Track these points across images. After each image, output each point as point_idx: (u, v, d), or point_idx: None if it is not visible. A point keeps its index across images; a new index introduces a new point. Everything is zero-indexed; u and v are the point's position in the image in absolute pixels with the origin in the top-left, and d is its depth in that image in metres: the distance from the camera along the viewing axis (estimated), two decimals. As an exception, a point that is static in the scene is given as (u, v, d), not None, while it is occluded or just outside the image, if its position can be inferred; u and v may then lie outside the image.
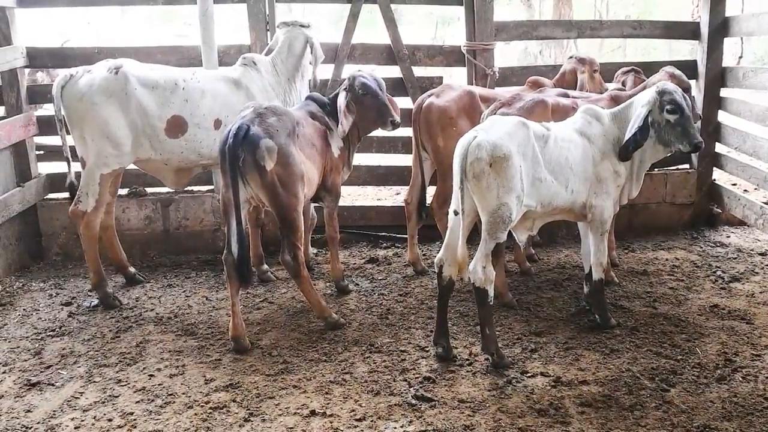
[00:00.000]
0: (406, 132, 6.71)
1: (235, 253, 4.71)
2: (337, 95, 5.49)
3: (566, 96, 5.53)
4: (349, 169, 5.69)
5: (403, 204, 6.26)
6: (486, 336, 4.44)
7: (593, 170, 4.65)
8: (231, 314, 4.83)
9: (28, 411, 4.12)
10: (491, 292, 4.37)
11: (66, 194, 6.52)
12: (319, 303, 5.12)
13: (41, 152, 6.84)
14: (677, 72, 5.71)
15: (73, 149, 5.65)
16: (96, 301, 5.65)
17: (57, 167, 6.95)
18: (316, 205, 5.97)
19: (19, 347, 4.94)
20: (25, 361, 4.73)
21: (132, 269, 6.13)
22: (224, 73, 5.89)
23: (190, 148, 5.60)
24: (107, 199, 5.63)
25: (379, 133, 6.64)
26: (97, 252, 5.62)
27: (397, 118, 5.43)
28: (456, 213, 4.36)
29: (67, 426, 3.95)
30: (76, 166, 5.64)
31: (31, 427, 3.95)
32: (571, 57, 6.42)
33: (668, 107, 4.58)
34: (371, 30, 9.06)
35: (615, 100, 5.41)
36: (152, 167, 5.76)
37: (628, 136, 4.60)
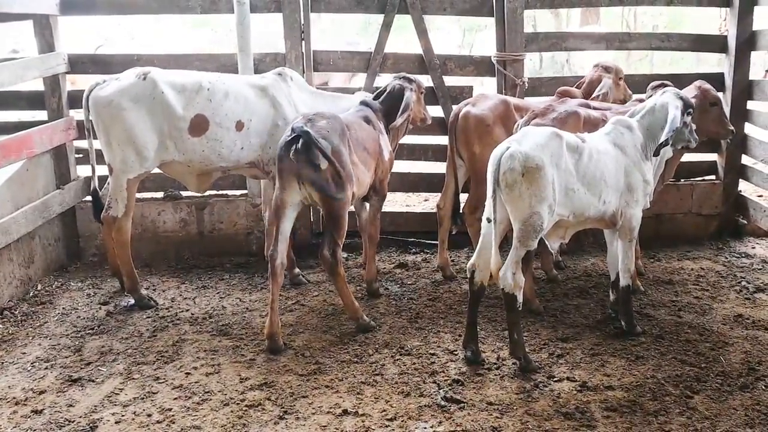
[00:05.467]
0: (437, 140, 6.84)
1: (278, 251, 4.94)
2: (388, 97, 5.82)
3: (588, 107, 5.61)
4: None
5: (434, 210, 6.35)
6: (514, 341, 4.55)
7: (625, 180, 4.74)
8: (269, 311, 4.95)
9: (70, 405, 4.27)
10: (520, 298, 4.47)
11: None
12: (353, 303, 5.24)
13: (80, 155, 7.01)
14: (706, 85, 5.81)
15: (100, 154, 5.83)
16: (133, 301, 5.79)
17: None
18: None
19: (59, 344, 5.09)
20: (66, 357, 4.89)
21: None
22: (252, 79, 5.99)
23: (210, 148, 5.63)
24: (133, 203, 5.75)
25: (410, 140, 6.76)
26: (129, 256, 5.74)
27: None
28: (489, 220, 4.47)
29: (108, 420, 4.08)
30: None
31: (74, 421, 4.09)
32: (596, 65, 6.47)
33: (689, 110, 4.94)
34: (399, 36, 9.16)
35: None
36: (176, 171, 5.83)
37: (667, 134, 4.75)
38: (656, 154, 4.87)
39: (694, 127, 5.05)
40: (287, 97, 5.84)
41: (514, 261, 4.42)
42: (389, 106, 5.78)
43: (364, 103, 5.77)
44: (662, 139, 4.77)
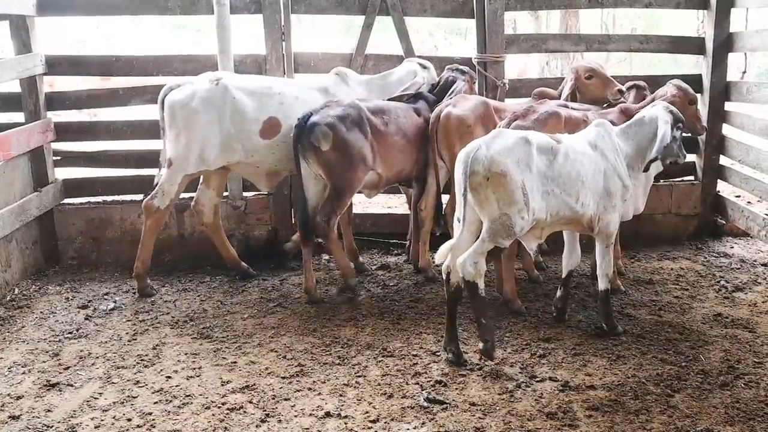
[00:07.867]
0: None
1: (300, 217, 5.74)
2: (441, 89, 6.23)
3: (568, 107, 5.64)
4: None
5: (417, 211, 6.35)
6: (482, 325, 4.56)
7: (604, 184, 4.76)
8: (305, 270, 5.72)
9: (49, 411, 4.21)
10: (481, 285, 4.48)
11: (81, 199, 6.95)
12: (346, 262, 5.94)
13: (58, 158, 6.95)
14: (684, 85, 5.83)
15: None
16: (113, 305, 5.76)
17: (73, 173, 7.10)
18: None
19: (37, 349, 5.03)
20: (44, 362, 4.83)
21: (245, 264, 6.44)
22: (316, 82, 6.26)
23: (282, 149, 5.85)
24: (176, 198, 6.00)
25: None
26: (152, 245, 6.01)
27: None
28: (459, 220, 4.48)
29: (87, 425, 4.04)
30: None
31: (52, 426, 4.04)
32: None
33: (679, 124, 4.95)
34: (377, 36, 9.15)
35: (625, 113, 5.55)
36: (245, 171, 6.11)
37: (657, 152, 4.80)
38: (646, 170, 4.92)
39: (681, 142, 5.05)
40: (346, 95, 6.06)
41: (478, 252, 4.42)
42: (442, 97, 6.13)
43: (420, 96, 6.20)
44: (652, 155, 4.82)
